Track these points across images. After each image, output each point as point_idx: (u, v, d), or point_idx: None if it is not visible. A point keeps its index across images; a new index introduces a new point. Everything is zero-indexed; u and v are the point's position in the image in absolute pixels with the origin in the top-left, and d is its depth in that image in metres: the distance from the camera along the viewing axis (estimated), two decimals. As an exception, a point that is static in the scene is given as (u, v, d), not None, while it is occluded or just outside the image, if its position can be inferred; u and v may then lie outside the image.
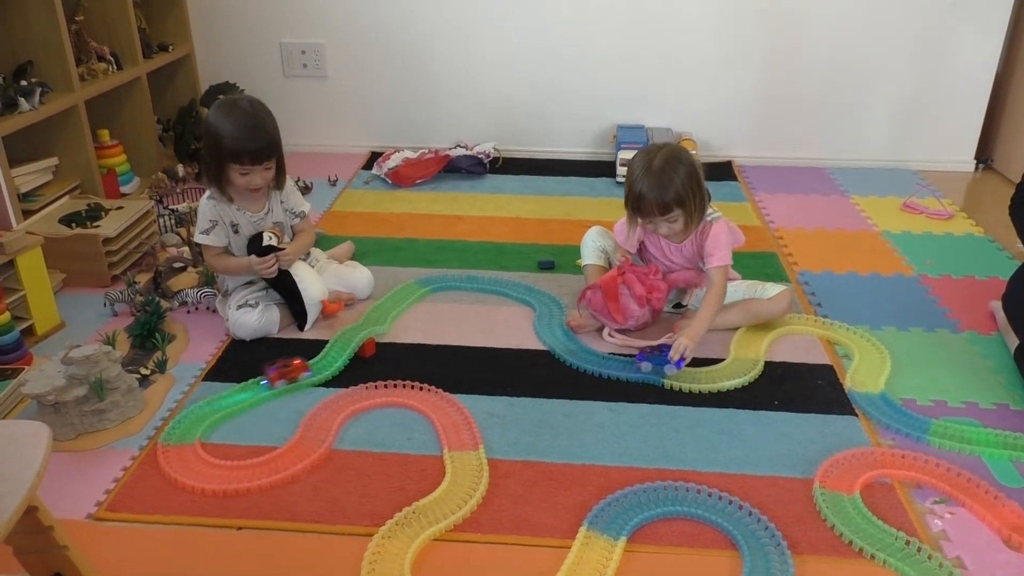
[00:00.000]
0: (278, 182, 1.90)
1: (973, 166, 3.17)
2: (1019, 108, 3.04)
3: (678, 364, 1.72)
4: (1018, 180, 1.92)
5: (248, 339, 1.89)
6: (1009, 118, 3.10)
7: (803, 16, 2.97)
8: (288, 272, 1.90)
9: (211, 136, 1.81)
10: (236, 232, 1.90)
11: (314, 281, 1.94)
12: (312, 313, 1.93)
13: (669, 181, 1.76)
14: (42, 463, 1.00)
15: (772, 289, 1.96)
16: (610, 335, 1.90)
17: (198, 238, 1.90)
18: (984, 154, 3.18)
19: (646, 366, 1.74)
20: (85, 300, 2.06)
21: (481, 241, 2.45)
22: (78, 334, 1.91)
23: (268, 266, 1.85)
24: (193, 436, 1.54)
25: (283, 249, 1.88)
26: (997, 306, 1.97)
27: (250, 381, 1.72)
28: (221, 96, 1.87)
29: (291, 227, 1.99)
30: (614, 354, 1.84)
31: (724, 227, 1.89)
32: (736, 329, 1.93)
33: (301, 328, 1.93)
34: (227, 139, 1.78)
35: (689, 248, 1.92)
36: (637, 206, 1.81)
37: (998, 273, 2.22)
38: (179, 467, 1.47)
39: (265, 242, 1.86)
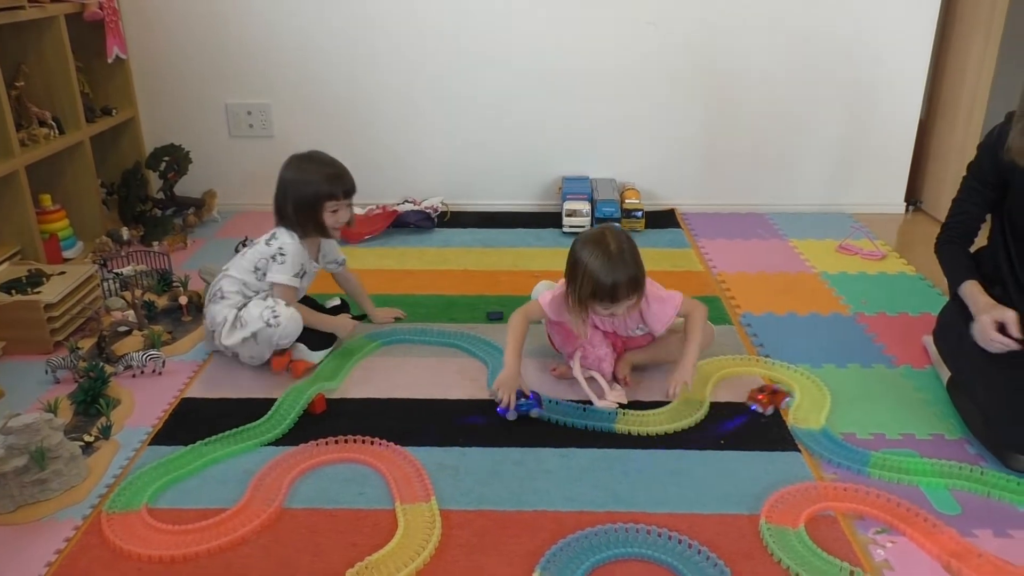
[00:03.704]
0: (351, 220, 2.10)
1: (903, 208, 3.31)
2: (943, 152, 3.19)
3: (536, 407, 1.79)
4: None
5: (295, 337, 1.96)
6: (934, 161, 3.25)
7: (739, 71, 3.11)
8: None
9: (300, 185, 1.96)
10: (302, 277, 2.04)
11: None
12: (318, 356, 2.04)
13: (633, 260, 1.75)
14: (-21, 534, 0.98)
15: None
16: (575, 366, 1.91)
17: (287, 280, 1.97)
18: (913, 196, 3.33)
19: (512, 414, 1.77)
20: (26, 368, 2.02)
21: (430, 294, 2.47)
22: (19, 403, 1.87)
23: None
24: (139, 502, 1.52)
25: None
26: (929, 341, 2.04)
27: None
28: (293, 155, 2.04)
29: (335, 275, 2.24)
30: (568, 400, 1.86)
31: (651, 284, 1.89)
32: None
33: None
34: (323, 182, 1.96)
35: (621, 323, 1.94)
36: (612, 294, 1.72)
37: (930, 309, 2.31)
38: (124, 535, 1.44)
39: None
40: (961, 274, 1.87)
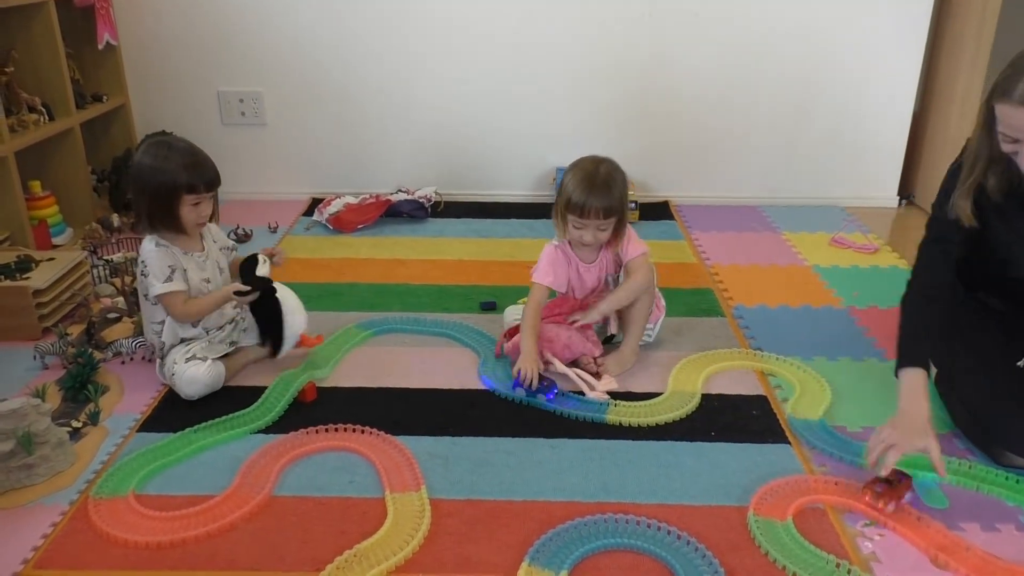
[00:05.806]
0: (215, 215, 1.91)
1: (896, 202, 3.32)
2: (936, 146, 3.19)
3: (548, 395, 1.80)
4: None
5: (197, 397, 1.80)
6: (927, 156, 3.25)
7: (733, 64, 3.10)
8: (275, 299, 1.90)
9: (157, 173, 1.76)
10: (185, 278, 1.84)
11: (298, 311, 1.94)
12: (289, 344, 1.91)
13: (611, 189, 1.86)
14: (-37, 519, 0.97)
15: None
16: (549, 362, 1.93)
17: (161, 288, 1.79)
18: (906, 191, 3.33)
19: (519, 392, 1.82)
20: (14, 354, 2.01)
21: (423, 284, 2.47)
22: (6, 389, 1.85)
23: (252, 297, 1.85)
24: (127, 488, 1.51)
25: (271, 282, 1.89)
26: (919, 335, 2.03)
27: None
28: (150, 138, 1.86)
29: (228, 262, 1.99)
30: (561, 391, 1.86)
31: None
32: (668, 358, 1.99)
33: (274, 355, 1.92)
34: (181, 171, 1.77)
35: (601, 266, 1.99)
36: (580, 208, 1.84)
37: (921, 303, 2.31)
38: (111, 520, 1.43)
39: (260, 266, 1.87)
40: (912, 350, 1.61)
